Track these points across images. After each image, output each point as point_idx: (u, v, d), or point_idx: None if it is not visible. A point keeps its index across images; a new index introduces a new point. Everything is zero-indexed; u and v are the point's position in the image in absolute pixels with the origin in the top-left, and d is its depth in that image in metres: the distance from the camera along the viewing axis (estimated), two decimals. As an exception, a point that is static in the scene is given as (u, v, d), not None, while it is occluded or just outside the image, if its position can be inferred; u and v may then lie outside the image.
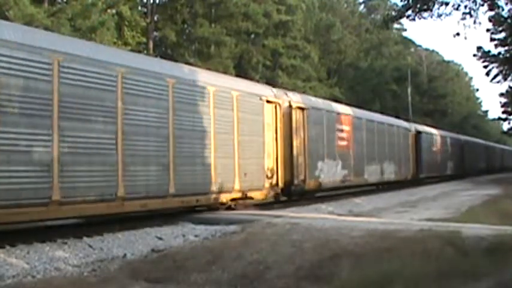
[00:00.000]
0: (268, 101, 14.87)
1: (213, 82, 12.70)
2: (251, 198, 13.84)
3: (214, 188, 12.21)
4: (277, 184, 15.13)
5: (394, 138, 25.01)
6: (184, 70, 12.63)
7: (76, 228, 9.70)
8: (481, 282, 5.42)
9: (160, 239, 9.28)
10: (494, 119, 58.65)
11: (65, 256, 7.64)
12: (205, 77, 12.77)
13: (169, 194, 11.00)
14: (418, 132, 29.17)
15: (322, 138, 17.89)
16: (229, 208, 12.97)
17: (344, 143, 19.49)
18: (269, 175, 14.78)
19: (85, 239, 8.63)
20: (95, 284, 6.27)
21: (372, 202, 18.46)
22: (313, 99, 19.84)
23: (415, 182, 27.52)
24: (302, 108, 16.75)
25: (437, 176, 32.78)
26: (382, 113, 30.84)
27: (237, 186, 13.09)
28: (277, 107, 15.39)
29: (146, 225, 10.11)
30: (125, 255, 8.03)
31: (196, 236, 9.68)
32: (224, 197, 12.67)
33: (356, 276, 5.83)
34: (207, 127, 12.11)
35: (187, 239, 9.43)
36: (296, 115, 16.41)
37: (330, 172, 18.04)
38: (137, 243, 8.82)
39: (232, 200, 13.06)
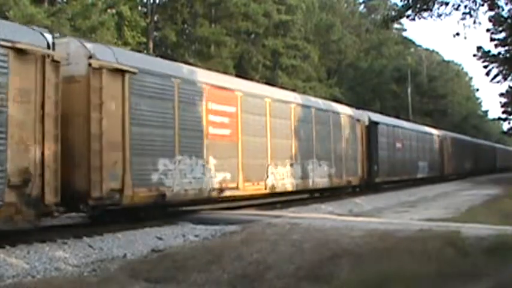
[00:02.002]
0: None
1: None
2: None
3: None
4: (41, 196, 8.32)
5: (328, 128, 18.34)
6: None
7: (76, 228, 9.70)
8: (481, 282, 5.43)
9: (160, 239, 9.29)
10: (494, 119, 58.60)
11: (65, 256, 7.65)
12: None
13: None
14: (373, 123, 22.51)
15: (171, 120, 11.32)
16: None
17: (224, 131, 13.01)
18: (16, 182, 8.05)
19: (85, 239, 8.63)
20: (95, 284, 6.27)
21: (372, 202, 18.47)
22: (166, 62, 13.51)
23: (368, 188, 21.58)
24: (119, 71, 10.08)
25: (403, 180, 26.44)
26: (381, 113, 30.77)
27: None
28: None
29: (146, 225, 10.11)
30: (125, 255, 8.03)
31: (196, 236, 9.69)
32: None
33: (356, 276, 5.84)
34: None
35: (187, 239, 9.44)
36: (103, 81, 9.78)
37: (187, 176, 11.56)
38: (137, 243, 8.83)
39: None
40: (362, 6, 61.06)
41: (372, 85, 52.08)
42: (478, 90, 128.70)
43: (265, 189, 14.48)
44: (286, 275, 6.15)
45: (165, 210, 11.81)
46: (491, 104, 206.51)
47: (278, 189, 15.08)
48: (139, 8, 33.93)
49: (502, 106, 39.20)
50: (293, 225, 9.84)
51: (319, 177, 17.50)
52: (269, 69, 38.22)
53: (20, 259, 7.26)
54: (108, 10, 26.71)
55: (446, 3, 12.08)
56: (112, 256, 7.94)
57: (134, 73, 10.38)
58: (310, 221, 10.57)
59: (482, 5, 12.84)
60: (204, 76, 13.11)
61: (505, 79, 31.56)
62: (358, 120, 21.24)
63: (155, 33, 34.38)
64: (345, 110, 20.64)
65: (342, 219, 11.46)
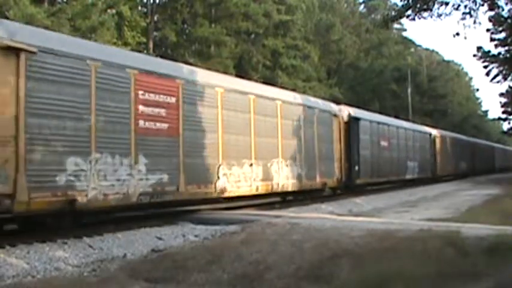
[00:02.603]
0: None
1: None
2: None
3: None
4: None
5: (298, 124, 16.51)
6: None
7: (76, 228, 9.70)
8: (481, 282, 5.42)
9: (160, 239, 9.29)
10: (494, 119, 58.62)
11: (65, 256, 7.65)
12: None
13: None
14: (354, 119, 20.63)
15: (86, 110, 9.57)
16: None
17: (160, 125, 11.15)
18: None
19: (85, 239, 8.63)
20: (95, 284, 6.27)
21: (372, 202, 18.47)
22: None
23: (347, 191, 19.95)
24: (12, 50, 8.51)
25: (390, 182, 24.91)
26: (381, 112, 30.73)
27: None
28: None
29: (146, 225, 10.12)
30: (125, 255, 8.03)
31: (196, 236, 9.69)
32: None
33: (356, 276, 5.83)
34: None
35: (187, 239, 9.44)
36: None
37: (107, 179, 9.83)
38: (137, 243, 8.83)
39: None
40: (362, 6, 61.07)
41: (371, 85, 52.08)
42: (478, 90, 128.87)
43: (215, 192, 12.56)
44: (286, 275, 6.14)
45: (81, 218, 9.97)
46: (491, 104, 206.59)
47: (232, 193, 13.18)
48: (139, 8, 33.93)
49: (502, 106, 39.28)
50: (293, 225, 9.85)
51: (287, 178, 15.58)
52: (269, 69, 38.21)
53: (20, 259, 7.26)
54: (108, 10, 26.71)
55: (446, 3, 12.08)
56: (112, 256, 7.95)
57: (33, 53, 8.65)
58: (310, 221, 10.57)
59: (482, 5, 12.84)
60: (133, 60, 11.19)
61: (505, 79, 31.60)
62: (335, 115, 19.18)
63: (155, 33, 34.37)
64: (319, 104, 18.58)
65: (342, 219, 11.46)
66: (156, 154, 10.94)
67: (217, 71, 20.44)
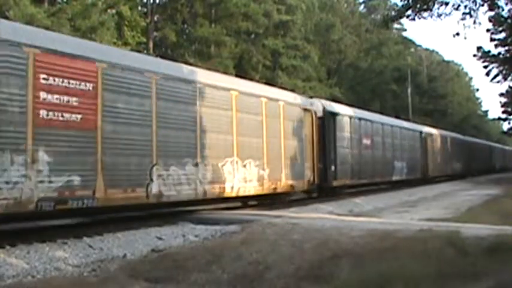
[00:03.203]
0: None
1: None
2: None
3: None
4: None
5: (259, 118, 14.44)
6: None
7: (76, 228, 9.70)
8: (481, 282, 5.43)
9: (160, 239, 9.28)
10: (494, 119, 58.57)
11: (65, 256, 7.64)
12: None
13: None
14: (330, 114, 18.73)
15: None
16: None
17: (71, 116, 9.25)
18: None
19: (85, 239, 8.63)
20: (95, 284, 6.27)
21: (372, 202, 18.47)
22: None
23: (323, 194, 18.23)
24: None
25: (374, 183, 23.16)
26: (381, 113, 30.68)
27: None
28: None
29: (146, 225, 10.12)
30: (125, 255, 8.03)
31: (196, 236, 9.69)
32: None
33: (356, 276, 5.83)
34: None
35: (187, 239, 9.44)
36: None
37: None
38: (137, 243, 8.82)
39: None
40: (362, 6, 61.06)
41: (371, 85, 52.09)
42: (478, 90, 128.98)
43: (147, 198, 10.60)
44: (286, 275, 6.14)
45: None
46: (491, 104, 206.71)
47: (172, 198, 11.21)
48: (139, 8, 33.95)
49: (502, 106, 39.22)
50: (293, 225, 9.85)
51: (244, 181, 13.57)
52: (269, 69, 38.22)
53: (20, 259, 7.26)
54: (108, 10, 26.71)
55: (446, 3, 12.08)
56: (112, 256, 7.94)
57: None
58: (310, 221, 10.58)
59: (482, 5, 12.83)
60: (31, 36, 9.03)
61: (505, 79, 31.58)
62: (306, 109, 17.03)
63: (155, 33, 34.36)
64: (285, 96, 16.43)
65: (342, 219, 11.47)
66: (63, 151, 9.00)
67: (217, 71, 20.34)
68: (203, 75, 12.95)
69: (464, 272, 5.68)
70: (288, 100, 16.23)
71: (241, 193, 13.58)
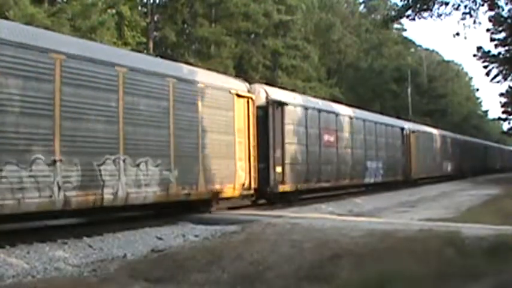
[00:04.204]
0: None
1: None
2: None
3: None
4: None
5: (164, 104, 11.36)
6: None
7: (76, 228, 9.70)
8: (481, 282, 5.43)
9: (160, 239, 9.29)
10: (494, 119, 58.55)
11: (65, 256, 7.65)
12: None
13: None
14: (275, 103, 15.15)
15: None
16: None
17: None
18: None
19: (85, 239, 8.63)
20: (95, 284, 6.27)
21: (372, 202, 18.48)
22: None
23: (268, 201, 15.36)
24: None
25: (339, 187, 19.64)
26: (381, 113, 30.59)
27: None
28: None
29: (146, 225, 10.12)
30: (125, 255, 8.03)
31: (196, 236, 9.69)
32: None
33: (356, 276, 5.83)
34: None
35: (187, 239, 9.44)
36: None
37: None
38: (137, 243, 8.83)
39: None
40: (362, 6, 61.07)
41: (372, 85, 52.08)
42: (478, 90, 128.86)
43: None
44: (287, 275, 6.14)
45: None
46: (491, 104, 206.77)
47: (6, 210, 8.00)
48: (140, 8, 33.94)
49: (502, 106, 39.18)
50: (293, 225, 9.85)
51: (138, 186, 10.41)
52: (269, 69, 38.22)
53: (20, 259, 7.26)
54: (108, 10, 26.70)
55: (446, 3, 12.10)
56: (112, 256, 7.94)
57: None
58: (310, 221, 10.58)
59: (482, 5, 12.86)
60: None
61: (505, 79, 31.56)
62: (240, 95, 13.74)
63: (155, 33, 34.37)
64: (207, 78, 13.13)
65: (342, 219, 11.48)
66: None
67: (217, 71, 20.24)
68: (71, 45, 9.79)
69: (464, 272, 5.68)
70: (210, 82, 12.82)
71: (132, 201, 10.39)
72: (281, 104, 15.48)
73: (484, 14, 17.52)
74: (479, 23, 12.32)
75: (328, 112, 18.93)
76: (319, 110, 18.16)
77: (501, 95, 37.97)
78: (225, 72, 23.26)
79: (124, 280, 6.34)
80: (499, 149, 64.39)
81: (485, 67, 32.49)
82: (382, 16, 43.58)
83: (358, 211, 15.86)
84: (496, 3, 14.63)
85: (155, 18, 34.36)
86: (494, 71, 32.05)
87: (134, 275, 6.56)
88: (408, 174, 26.34)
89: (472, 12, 12.15)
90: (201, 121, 12.33)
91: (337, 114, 19.55)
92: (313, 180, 17.15)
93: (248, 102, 14.07)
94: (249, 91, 14.42)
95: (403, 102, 51.65)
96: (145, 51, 29.28)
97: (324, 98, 27.53)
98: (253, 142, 14.04)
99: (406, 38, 63.78)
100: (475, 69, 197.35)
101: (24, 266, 7.03)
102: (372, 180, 22.16)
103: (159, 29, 34.59)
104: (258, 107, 14.59)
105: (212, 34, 33.28)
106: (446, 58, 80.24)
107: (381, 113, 30.05)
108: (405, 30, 69.51)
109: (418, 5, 12.34)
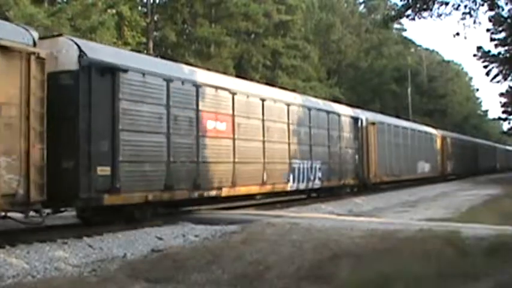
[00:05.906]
0: None
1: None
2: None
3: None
4: None
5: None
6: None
7: (76, 228, 9.70)
8: (481, 282, 5.43)
9: (160, 239, 9.28)
10: (494, 119, 58.47)
11: (65, 256, 7.64)
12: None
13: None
14: (103, 68, 9.55)
15: None
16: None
17: None
18: None
19: (85, 239, 8.63)
20: (95, 284, 6.27)
21: (372, 202, 18.47)
22: None
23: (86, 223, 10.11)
24: None
25: (235, 196, 13.12)
26: (382, 113, 30.50)
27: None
28: None
29: (146, 225, 10.11)
30: (125, 255, 8.03)
31: (196, 236, 9.68)
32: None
33: (356, 276, 5.84)
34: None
35: (187, 239, 9.43)
36: None
37: None
38: (137, 243, 8.82)
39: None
40: (362, 6, 61.09)
41: (372, 85, 52.08)
42: (478, 90, 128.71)
43: None
44: (286, 275, 6.15)
45: None
46: (491, 104, 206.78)
47: None
48: (140, 8, 33.94)
49: (502, 106, 39.15)
50: (293, 225, 9.86)
51: None
52: (269, 69, 38.23)
53: (20, 259, 7.25)
54: (108, 10, 26.71)
55: (446, 3, 12.07)
56: (112, 256, 7.94)
57: None
58: (310, 221, 10.58)
59: (482, 5, 12.81)
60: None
61: (505, 79, 31.54)
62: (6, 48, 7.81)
63: (155, 33, 34.39)
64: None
65: (342, 219, 11.48)
66: None
67: (216, 71, 20.30)
68: None
69: (464, 272, 5.68)
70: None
71: None
72: (112, 70, 9.78)
73: (484, 14, 17.49)
74: (479, 23, 12.29)
75: (217, 88, 12.69)
76: (197, 85, 11.96)
77: (501, 95, 37.94)
78: (225, 72, 23.25)
79: (124, 280, 6.34)
80: (496, 149, 60.31)
81: (485, 67, 32.47)
82: (382, 16, 43.61)
83: (358, 211, 15.86)
84: (496, 3, 14.59)
85: (155, 18, 34.36)
86: (494, 71, 32.04)
87: (134, 275, 6.56)
88: (365, 178, 20.85)
89: (472, 12, 12.12)
90: None
91: (232, 93, 13.19)
92: (178, 187, 11.15)
93: (28, 61, 8.09)
94: (34, 43, 8.36)
95: (403, 102, 51.63)
96: (145, 52, 29.28)
97: (324, 98, 27.46)
98: (37, 125, 8.16)
99: (406, 38, 63.84)
100: (475, 69, 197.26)
101: (24, 266, 7.02)
102: (302, 186, 16.26)
103: (159, 29, 34.61)
104: (61, 73, 9.30)
105: (212, 34, 33.29)
106: (446, 58, 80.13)
107: (381, 113, 28.90)
108: (405, 30, 69.62)
109: (418, 5, 12.31)
